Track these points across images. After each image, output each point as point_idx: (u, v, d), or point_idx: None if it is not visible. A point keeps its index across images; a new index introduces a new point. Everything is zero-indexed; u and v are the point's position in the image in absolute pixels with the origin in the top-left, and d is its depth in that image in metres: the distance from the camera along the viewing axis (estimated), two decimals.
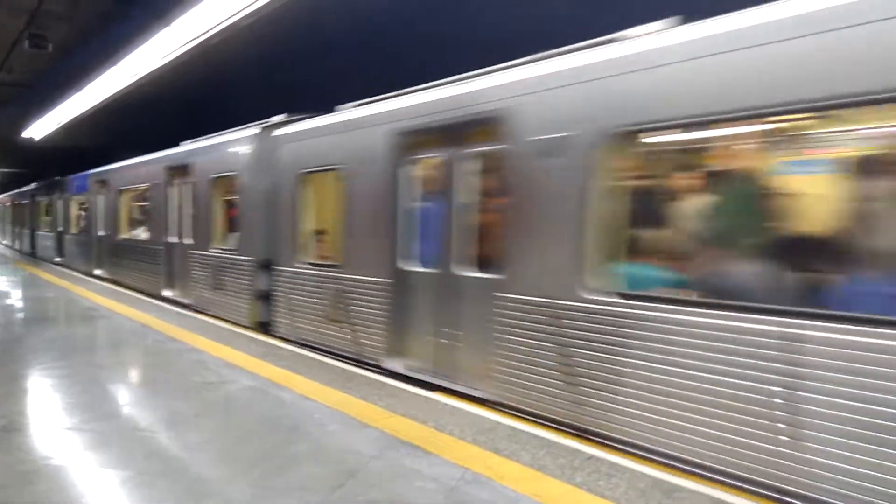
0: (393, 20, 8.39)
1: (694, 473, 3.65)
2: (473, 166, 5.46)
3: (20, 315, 9.79)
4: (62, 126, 15.95)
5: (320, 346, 7.07)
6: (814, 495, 3.23)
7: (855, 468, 3.10)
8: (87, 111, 13.79)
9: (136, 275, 12.83)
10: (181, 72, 10.29)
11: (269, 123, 8.42)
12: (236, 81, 12.04)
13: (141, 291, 12.03)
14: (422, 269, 5.94)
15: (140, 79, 10.65)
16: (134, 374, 6.11)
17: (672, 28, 4.19)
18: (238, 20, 7.35)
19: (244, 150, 8.68)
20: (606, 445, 4.10)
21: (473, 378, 5.32)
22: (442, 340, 5.70)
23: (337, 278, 6.85)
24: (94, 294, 11.79)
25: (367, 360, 6.39)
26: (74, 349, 6.93)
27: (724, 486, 3.47)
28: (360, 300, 6.53)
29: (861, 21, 3.12)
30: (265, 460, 3.81)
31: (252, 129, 8.63)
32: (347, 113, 7.01)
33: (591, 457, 3.85)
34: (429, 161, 5.99)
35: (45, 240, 21.83)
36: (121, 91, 11.62)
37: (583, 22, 6.51)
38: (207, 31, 7.90)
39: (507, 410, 4.83)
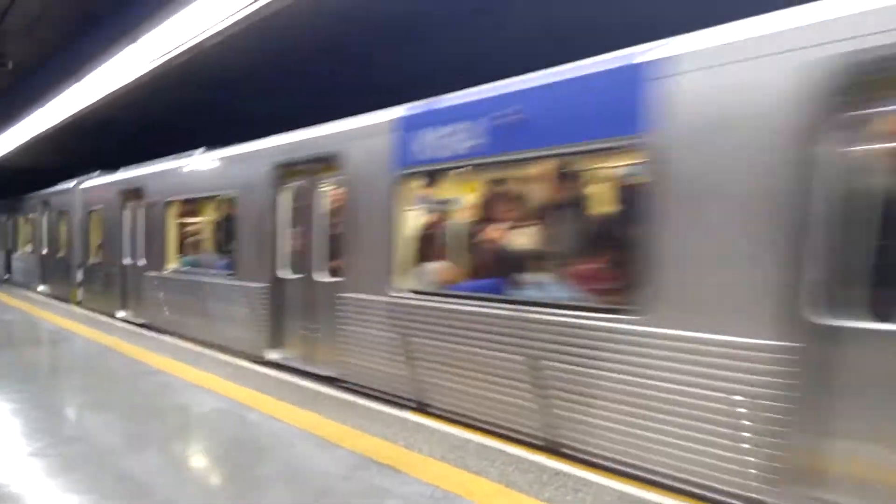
0: (355, 49, 8.50)
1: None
2: (141, 211, 10.96)
3: None
4: (21, 145, 15.64)
5: (102, 312, 11.92)
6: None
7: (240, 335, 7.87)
8: (47, 130, 13.55)
9: (26, 278, 18.52)
10: (144, 92, 10.23)
11: (84, 178, 13.96)
12: (199, 103, 11.96)
13: (28, 289, 17.42)
14: (129, 263, 11.42)
15: (102, 98, 10.56)
16: (98, 398, 5.98)
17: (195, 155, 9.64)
18: (202, 41, 7.37)
19: (69, 195, 14.41)
20: (574, 459, 4.17)
21: (142, 315, 10.78)
22: (136, 299, 11.14)
23: (102, 270, 12.65)
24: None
25: (113, 315, 11.55)
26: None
27: (685, 494, 3.56)
28: (110, 281, 12.13)
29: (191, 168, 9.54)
30: (234, 482, 3.79)
31: (74, 182, 14.26)
32: (111, 175, 12.75)
33: (558, 472, 3.90)
34: (132, 207, 11.39)
35: None
36: (82, 110, 11.48)
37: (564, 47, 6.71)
38: (170, 52, 7.90)
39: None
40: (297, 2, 6.16)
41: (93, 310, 12.32)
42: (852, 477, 3.04)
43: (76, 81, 10.11)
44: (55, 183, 16.17)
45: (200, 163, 9.22)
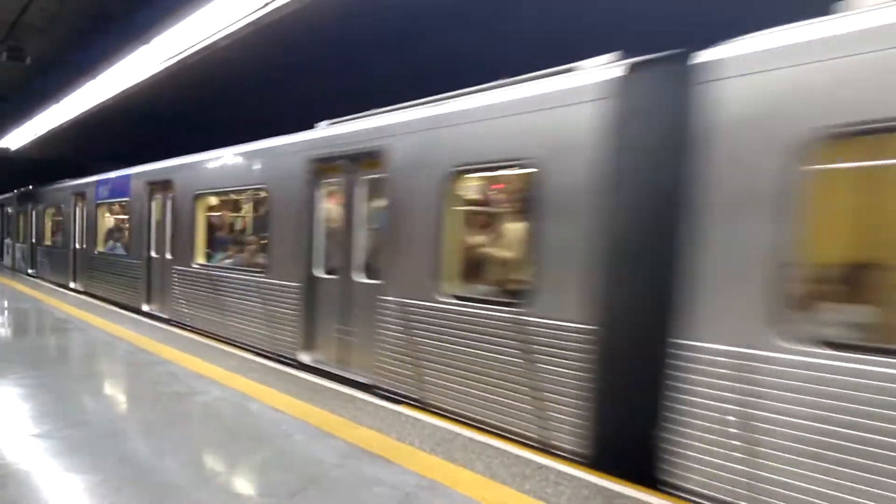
0: (356, 49, 8.71)
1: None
2: (42, 211, 18.28)
3: None
4: (38, 138, 15.96)
5: (23, 272, 19.39)
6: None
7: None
8: (63, 124, 13.83)
9: None
10: (155, 90, 10.45)
11: (22, 189, 20.44)
12: (214, 99, 12.23)
13: None
14: (35, 242, 18.73)
15: (114, 96, 10.81)
16: (105, 385, 6.21)
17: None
18: (217, 41, 7.57)
19: (9, 200, 22.78)
20: (555, 455, 4.33)
21: (42, 274, 17.77)
22: (39, 262, 18.32)
23: (23, 248, 20.38)
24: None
25: (27, 273, 19.13)
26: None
27: (662, 493, 3.72)
28: (25, 254, 19.91)
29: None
30: (230, 467, 3.98)
31: (13, 192, 21.84)
32: (32, 189, 19.44)
33: (541, 466, 4.08)
34: (37, 210, 18.62)
35: None
36: (98, 105, 11.72)
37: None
38: (184, 51, 8.09)
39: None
40: (307, 6, 6.34)
41: (19, 271, 20.38)
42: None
43: (91, 79, 10.32)
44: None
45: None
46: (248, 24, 6.83)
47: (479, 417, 4.97)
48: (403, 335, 5.67)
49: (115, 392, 6.01)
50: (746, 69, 3.57)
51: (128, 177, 12.00)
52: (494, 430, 4.81)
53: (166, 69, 9.06)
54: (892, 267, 3.48)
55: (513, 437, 4.68)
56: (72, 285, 15.17)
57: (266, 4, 6.38)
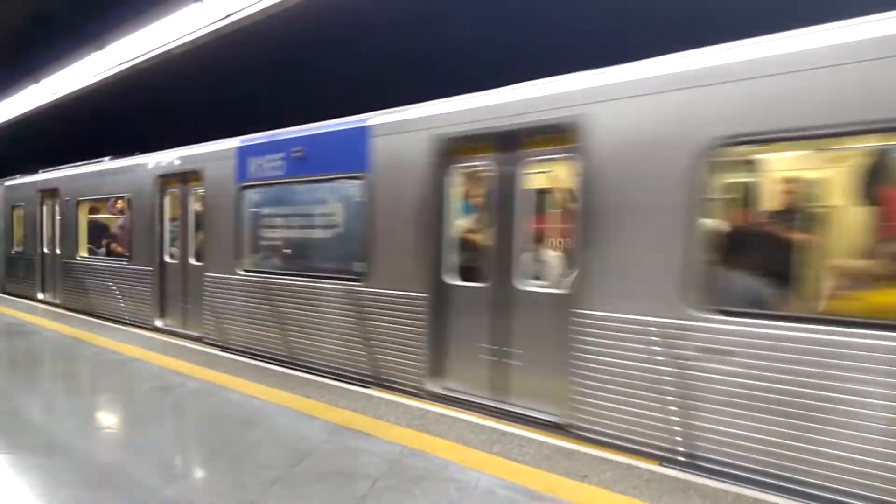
0: (296, 56, 9.11)
1: None
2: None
3: None
4: None
5: None
6: None
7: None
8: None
9: None
10: (92, 95, 10.48)
11: None
12: (143, 105, 12.25)
13: None
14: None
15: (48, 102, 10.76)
16: (82, 384, 6.40)
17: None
18: (169, 50, 7.80)
19: None
20: (519, 422, 4.91)
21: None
22: None
23: None
24: None
25: None
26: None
27: (611, 447, 4.36)
28: None
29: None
30: (227, 447, 4.36)
31: None
32: None
33: (506, 433, 4.65)
34: None
35: None
36: (34, 109, 11.59)
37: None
38: (106, 71, 8.25)
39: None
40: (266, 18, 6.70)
41: None
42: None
43: (34, 82, 10.26)
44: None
45: None
46: (209, 33, 7.12)
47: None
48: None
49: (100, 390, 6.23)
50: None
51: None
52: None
53: (108, 76, 9.17)
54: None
55: None
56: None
57: (227, 16, 6.71)
